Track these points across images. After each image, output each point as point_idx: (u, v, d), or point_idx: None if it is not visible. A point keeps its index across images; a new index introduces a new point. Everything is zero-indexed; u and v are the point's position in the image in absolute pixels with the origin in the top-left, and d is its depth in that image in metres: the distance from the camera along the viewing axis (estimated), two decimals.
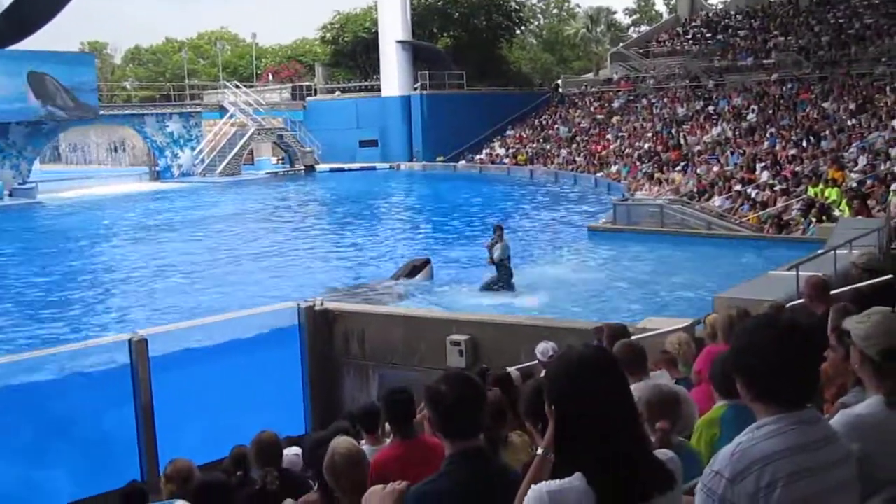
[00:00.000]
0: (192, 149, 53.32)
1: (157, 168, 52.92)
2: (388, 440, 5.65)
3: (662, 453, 2.70)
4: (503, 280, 18.10)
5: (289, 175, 53.71)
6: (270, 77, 73.36)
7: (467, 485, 3.24)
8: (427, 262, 20.05)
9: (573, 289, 18.19)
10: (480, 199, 37.84)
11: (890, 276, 6.65)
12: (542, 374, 8.01)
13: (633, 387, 2.87)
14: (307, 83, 65.01)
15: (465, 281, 19.71)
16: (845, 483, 2.58)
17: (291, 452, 7.53)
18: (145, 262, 24.77)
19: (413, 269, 19.66)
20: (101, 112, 50.43)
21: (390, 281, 19.46)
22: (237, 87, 58.42)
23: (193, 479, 5.96)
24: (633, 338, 7.91)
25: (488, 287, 18.03)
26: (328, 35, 66.60)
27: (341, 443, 4.55)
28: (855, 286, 6.77)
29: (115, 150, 69.67)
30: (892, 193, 20.91)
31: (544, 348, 8.39)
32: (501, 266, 18.06)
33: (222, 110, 55.23)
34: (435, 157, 53.98)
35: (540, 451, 2.80)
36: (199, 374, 11.35)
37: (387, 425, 5.71)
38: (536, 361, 8.59)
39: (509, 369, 7.98)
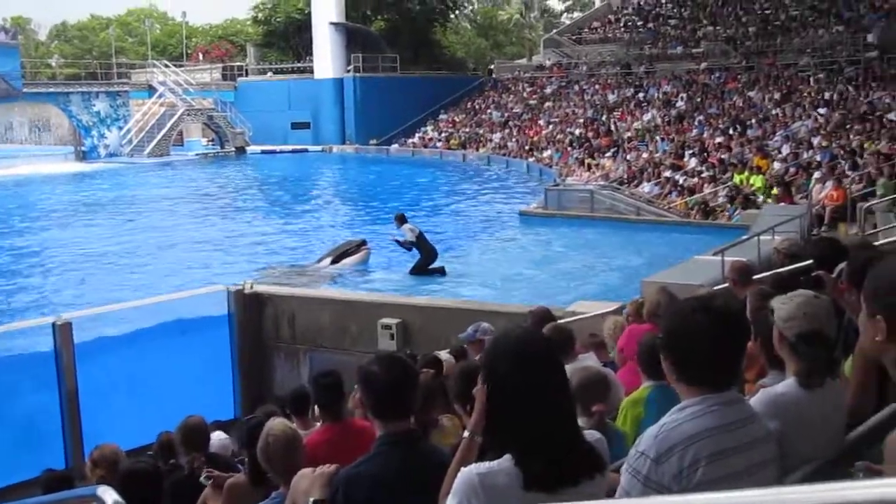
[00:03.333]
0: (120, 129, 52.24)
1: (83, 148, 51.75)
2: (318, 424, 5.64)
3: (590, 434, 2.74)
4: (428, 258, 18.09)
5: (219, 157, 52.95)
6: (201, 57, 72.20)
7: (398, 467, 3.25)
8: (362, 243, 19.85)
9: (504, 273, 18.29)
10: (412, 183, 37.78)
11: (810, 261, 6.81)
12: (473, 353, 8.05)
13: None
14: (238, 63, 64.13)
15: (397, 266, 19.70)
16: (766, 461, 2.65)
17: (218, 437, 7.47)
18: (70, 245, 24.21)
19: (346, 252, 19.48)
20: (25, 90, 49.13)
21: (323, 263, 19.31)
22: (166, 66, 57.37)
23: (120, 464, 5.87)
24: (561, 321, 8.00)
25: (418, 270, 18.03)
26: (260, 15, 65.66)
27: (276, 425, 4.53)
28: (777, 271, 6.93)
29: (39, 130, 67.98)
30: (813, 181, 21.42)
31: (486, 328, 8.37)
32: (419, 246, 18.05)
33: (151, 90, 54.19)
34: (368, 141, 53.72)
35: (467, 433, 2.82)
36: (126, 359, 11.18)
37: (316, 409, 5.70)
38: (466, 341, 8.59)
39: (441, 353, 7.99)
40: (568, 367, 3.02)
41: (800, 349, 3.01)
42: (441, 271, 18.05)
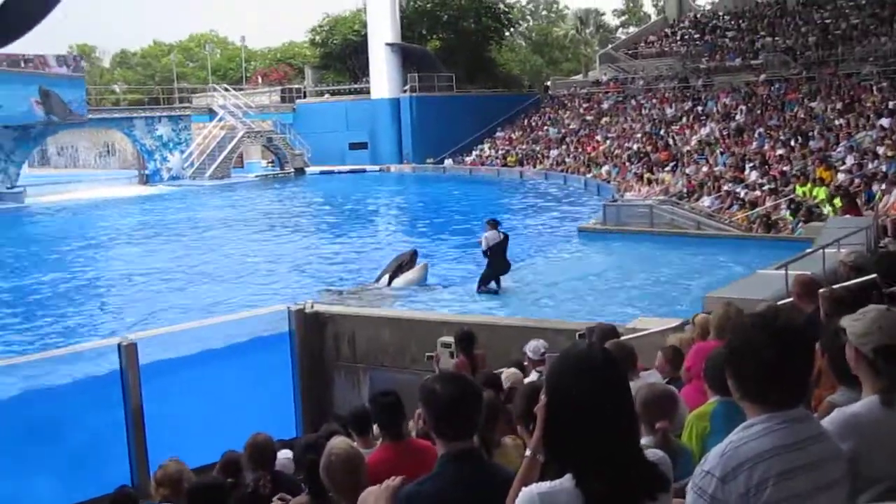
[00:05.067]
0: (182, 152, 53.19)
1: (147, 171, 52.78)
2: (378, 443, 5.64)
3: (653, 453, 2.70)
4: (491, 273, 18.06)
5: (278, 178, 53.62)
6: (259, 80, 73.33)
7: (460, 486, 3.23)
8: (414, 253, 19.96)
9: (563, 289, 18.20)
10: (470, 200, 37.82)
11: (875, 275, 6.67)
12: (533, 374, 8.02)
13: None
14: (296, 86, 64.96)
15: (457, 282, 19.74)
16: (835, 481, 2.59)
17: (283, 456, 7.51)
18: (135, 267, 24.67)
19: (400, 266, 19.58)
20: (90, 116, 50.30)
21: (382, 283, 19.42)
22: (226, 89, 58.34)
23: (185, 481, 5.93)
24: (623, 338, 7.92)
25: (481, 284, 18.05)
26: (317, 37, 66.51)
27: (338, 444, 4.54)
28: (843, 284, 6.78)
29: (104, 154, 69.52)
30: (879, 193, 20.98)
31: (535, 346, 8.39)
32: (491, 257, 18.01)
33: (211, 113, 55.14)
34: (425, 160, 53.98)
35: (528, 452, 2.80)
36: (190, 379, 11.31)
37: (376, 428, 5.70)
38: (526, 360, 8.59)
39: (504, 371, 7.97)
40: (632, 385, 2.99)
41: (879, 365, 2.94)
42: (494, 291, 18.02)
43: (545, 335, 9.82)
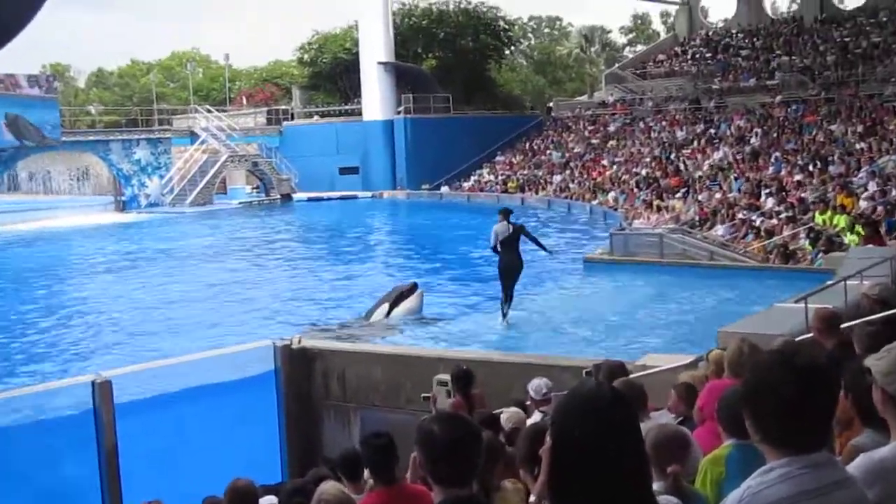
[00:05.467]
0: (161, 177, 53.32)
1: (123, 198, 52.89)
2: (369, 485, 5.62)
3: (665, 500, 2.68)
4: (501, 271, 17.90)
5: (264, 204, 53.74)
6: (244, 101, 73.62)
7: None
8: (414, 287, 19.98)
9: (568, 324, 18.18)
10: (468, 229, 37.85)
11: None
12: (536, 414, 7.99)
13: None
14: (283, 107, 65.27)
15: (453, 316, 19.75)
16: None
17: (267, 502, 7.47)
18: (108, 301, 24.64)
19: (399, 297, 19.58)
20: (64, 139, 50.46)
21: (377, 316, 19.47)
22: (209, 111, 58.63)
23: None
24: (632, 376, 7.91)
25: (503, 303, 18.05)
26: (306, 56, 66.82)
27: (328, 489, 4.53)
28: (867, 318, 6.78)
29: (79, 179, 69.64)
30: None
31: (538, 385, 8.37)
32: (501, 253, 17.78)
33: (193, 136, 55.34)
34: (420, 185, 54.13)
35: (532, 497, 2.78)
36: (167, 419, 11.26)
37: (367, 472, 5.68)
38: (529, 400, 8.57)
39: (504, 412, 7.94)
40: (642, 426, 2.98)
41: None
42: (503, 311, 17.99)
43: (549, 373, 9.80)
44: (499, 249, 17.76)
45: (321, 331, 18.80)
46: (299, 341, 13.18)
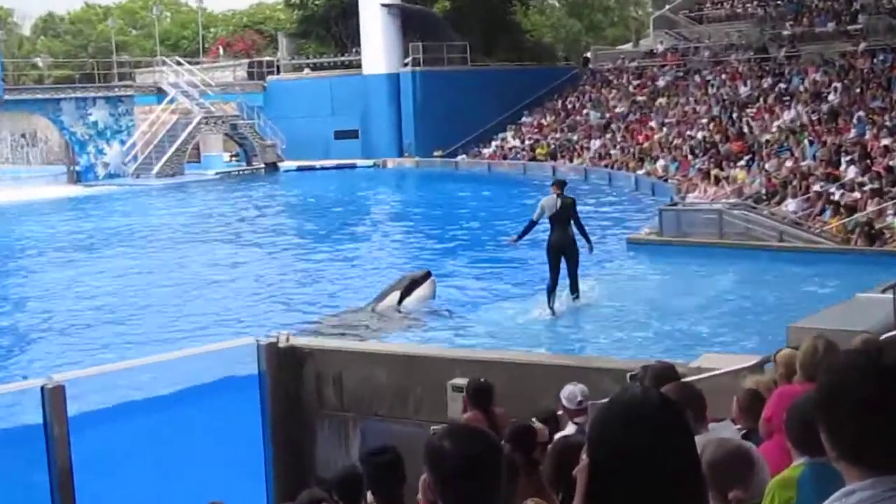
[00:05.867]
0: (122, 143, 53.43)
1: (78, 167, 53.01)
2: None
3: None
4: (549, 253, 18.32)
5: (245, 175, 53.85)
6: (221, 51, 73.61)
7: None
8: (427, 275, 20.38)
9: (608, 318, 18.19)
10: (488, 205, 37.88)
11: None
12: (570, 426, 8.01)
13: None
14: (268, 58, 65.18)
15: (469, 307, 19.82)
16: None
17: None
18: (60, 291, 24.67)
19: (411, 284, 19.94)
20: (6, 97, 50.52)
21: (386, 304, 19.68)
22: (179, 63, 58.65)
23: None
24: (686, 380, 7.91)
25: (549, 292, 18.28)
26: None
27: None
28: None
29: (24, 146, 69.75)
30: None
31: (572, 392, 8.38)
32: (550, 233, 18.18)
33: (160, 94, 55.39)
34: (431, 152, 54.10)
35: None
36: (132, 431, 11.30)
37: (370, 495, 5.70)
38: (561, 409, 8.58)
39: (535, 422, 7.96)
40: (698, 440, 2.98)
41: None
42: (549, 301, 18.17)
43: (585, 377, 9.80)
44: (535, 225, 18.38)
45: (315, 325, 18.87)
46: (287, 339, 13.20)
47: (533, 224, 18.49)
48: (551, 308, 18.20)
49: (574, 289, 18.61)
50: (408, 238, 32.62)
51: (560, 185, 18.51)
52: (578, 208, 18.77)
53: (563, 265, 18.24)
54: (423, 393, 12.37)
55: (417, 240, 31.73)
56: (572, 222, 18.29)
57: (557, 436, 7.31)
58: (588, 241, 18.85)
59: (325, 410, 13.12)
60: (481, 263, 25.24)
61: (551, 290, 18.25)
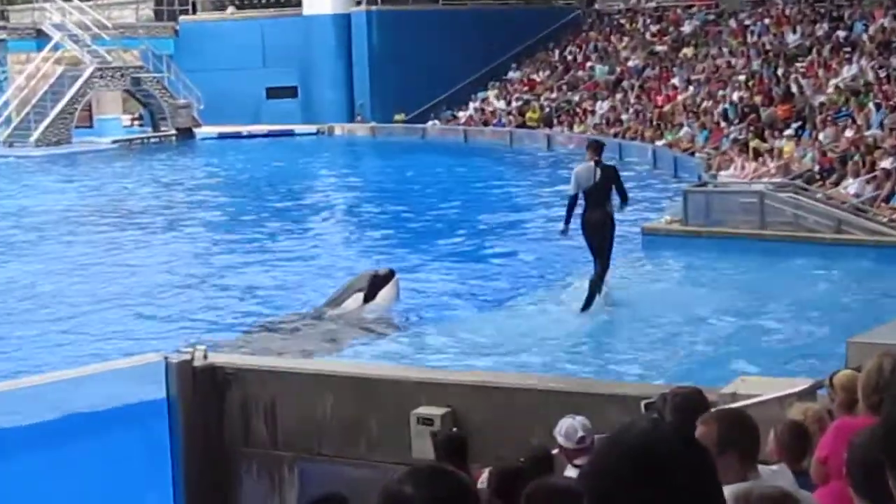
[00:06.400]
0: None
1: None
2: None
3: None
4: (586, 236, 18.60)
5: (150, 145, 53.66)
6: None
7: None
8: (390, 274, 20.61)
9: (617, 330, 18.22)
10: (464, 185, 37.85)
11: None
12: (569, 469, 8.01)
13: (728, 491, 2.85)
14: None
15: (438, 314, 19.86)
16: None
17: None
18: None
19: (375, 283, 20.18)
20: None
21: (348, 306, 19.86)
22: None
23: None
24: (717, 409, 7.93)
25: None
26: None
27: None
28: None
29: None
30: None
31: (570, 426, 8.38)
32: (585, 210, 18.37)
33: (41, 38, 54.96)
34: (391, 117, 54.03)
35: None
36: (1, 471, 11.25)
37: None
38: (557, 448, 8.60)
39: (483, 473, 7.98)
40: (730, 489, 2.99)
41: None
42: (589, 298, 18.42)
43: (588, 407, 9.82)
44: (577, 200, 18.50)
45: (242, 338, 18.82)
46: (205, 355, 13.15)
47: (574, 200, 18.60)
48: (590, 299, 18.53)
49: (600, 286, 18.75)
50: (360, 227, 32.54)
51: (597, 148, 18.65)
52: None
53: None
54: (380, 426, 12.37)
55: (372, 229, 31.64)
56: (611, 196, 18.53)
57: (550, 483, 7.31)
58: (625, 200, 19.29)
59: (253, 448, 13.09)
60: (455, 259, 25.19)
61: (598, 278, 18.51)
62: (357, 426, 12.62)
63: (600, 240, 18.47)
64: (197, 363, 12.96)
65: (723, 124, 38.13)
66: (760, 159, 32.61)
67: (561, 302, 20.22)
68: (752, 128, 35.84)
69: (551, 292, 20.99)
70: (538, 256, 24.76)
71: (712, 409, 6.71)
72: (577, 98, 49.24)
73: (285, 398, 13.06)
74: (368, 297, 19.96)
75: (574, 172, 18.52)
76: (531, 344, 17.57)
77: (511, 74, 54.86)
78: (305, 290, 22.26)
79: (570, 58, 54.19)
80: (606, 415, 9.78)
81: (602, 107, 46.90)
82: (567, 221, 19.13)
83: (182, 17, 60.32)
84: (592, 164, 18.21)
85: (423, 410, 12.02)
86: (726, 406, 8.95)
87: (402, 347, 17.85)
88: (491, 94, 53.52)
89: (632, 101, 46.23)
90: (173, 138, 54.15)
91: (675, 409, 7.30)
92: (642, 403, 9.30)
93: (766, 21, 47.96)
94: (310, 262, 25.98)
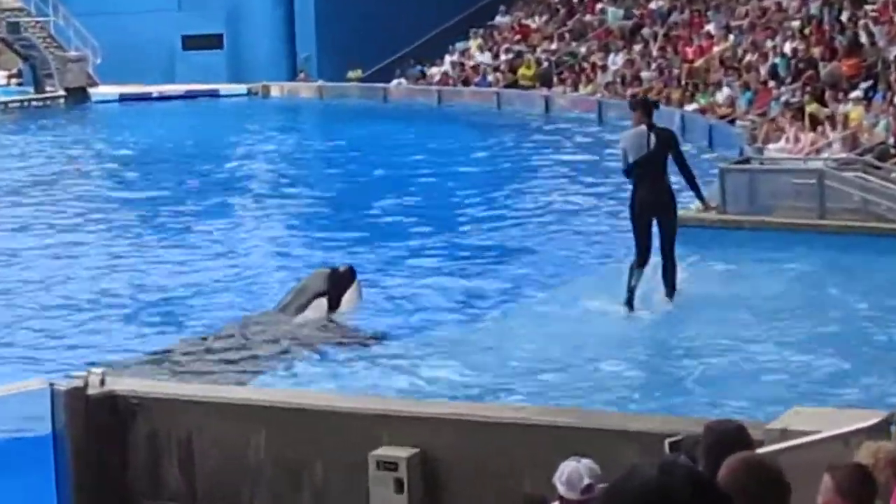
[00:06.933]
0: None
1: None
2: None
3: None
4: (635, 215, 18.77)
5: (32, 109, 53.60)
6: None
7: None
8: (350, 273, 20.79)
9: (633, 347, 18.25)
10: (436, 161, 37.84)
11: None
12: None
13: None
14: None
15: (415, 322, 19.98)
16: None
17: None
18: None
19: (337, 283, 20.33)
20: None
21: (310, 312, 19.96)
22: None
23: None
24: (762, 450, 7.97)
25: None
26: None
27: None
28: None
29: None
30: None
31: (574, 471, 8.41)
32: (635, 184, 18.56)
33: None
34: (344, 73, 54.05)
35: None
36: None
37: None
38: (557, 499, 8.63)
39: None
40: None
41: None
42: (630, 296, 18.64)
43: (598, 445, 9.87)
44: (630, 176, 18.79)
45: (152, 359, 18.77)
46: (102, 381, 13.15)
47: (628, 172, 18.81)
48: (629, 298, 18.80)
49: (670, 279, 19.03)
50: (302, 217, 32.53)
51: (646, 107, 18.80)
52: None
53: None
54: (329, 471, 12.40)
55: (319, 220, 31.67)
56: (668, 168, 18.74)
57: None
58: (698, 192, 19.70)
59: (162, 499, 13.11)
60: (429, 256, 25.17)
61: (637, 269, 18.72)
62: (299, 472, 12.66)
63: (659, 225, 18.68)
64: (92, 391, 12.96)
65: (771, 84, 38.24)
66: (819, 129, 32.71)
67: (570, 311, 20.25)
68: (808, 88, 35.96)
69: (553, 298, 20.97)
70: (537, 253, 24.77)
71: (746, 453, 6.71)
72: (583, 50, 49.42)
73: (206, 435, 13.07)
74: (333, 303, 20.07)
75: (621, 146, 18.59)
76: (524, 365, 17.55)
77: (498, 20, 55.00)
78: (232, 295, 22.23)
79: None
80: (620, 457, 9.79)
81: (616, 61, 47.05)
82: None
83: None
84: (644, 128, 18.26)
85: (385, 452, 12.05)
86: (769, 448, 8.99)
87: (352, 368, 17.79)
88: (472, 44, 53.65)
89: (654, 53, 46.37)
90: (62, 101, 54.15)
91: (708, 451, 7.32)
92: (666, 442, 9.34)
93: None
94: (238, 261, 25.96)
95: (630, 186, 18.91)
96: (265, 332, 19.71)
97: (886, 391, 13.38)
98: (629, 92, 44.01)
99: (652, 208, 18.46)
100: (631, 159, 18.19)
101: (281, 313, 20.30)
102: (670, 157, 18.74)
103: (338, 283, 20.43)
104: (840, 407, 12.00)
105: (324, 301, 20.11)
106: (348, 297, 20.38)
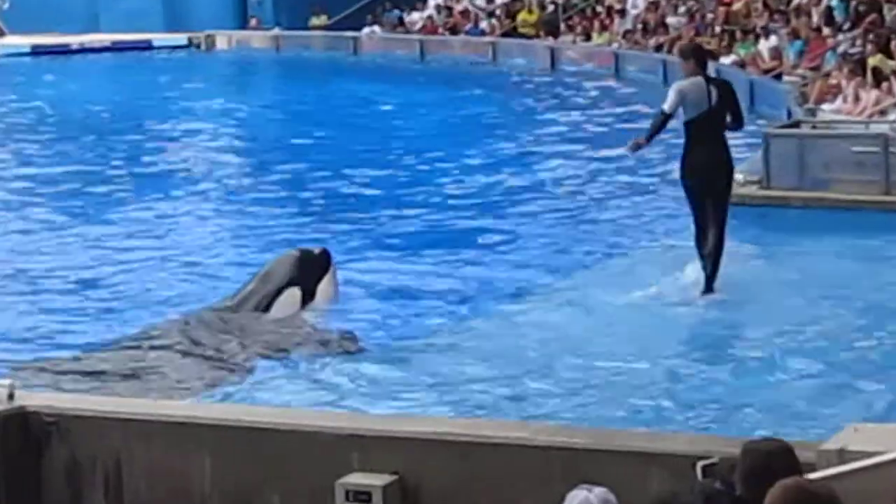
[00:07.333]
0: None
1: None
2: None
3: None
4: (689, 182, 19.07)
5: None
6: None
7: None
8: (327, 258, 20.85)
9: (658, 345, 18.29)
10: (418, 125, 37.95)
11: None
12: None
13: None
14: None
15: (387, 325, 20.02)
16: None
17: None
18: None
19: (309, 271, 20.36)
20: None
21: (280, 306, 19.96)
22: None
23: None
24: (813, 476, 8.00)
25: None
26: None
27: None
28: None
29: None
30: None
31: (586, 501, 8.44)
32: (689, 145, 18.78)
33: None
34: (306, 21, 54.08)
35: None
36: None
37: None
38: None
39: None
40: None
41: None
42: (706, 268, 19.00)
43: (614, 470, 9.90)
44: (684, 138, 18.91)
45: (73, 366, 18.76)
46: (11, 395, 13.18)
47: (667, 121, 18.99)
48: (710, 281, 19.19)
49: (712, 266, 19.28)
50: (259, 194, 32.61)
51: (701, 55, 19.15)
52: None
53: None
54: (288, 502, 12.44)
55: (280, 196, 31.74)
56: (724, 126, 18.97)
57: None
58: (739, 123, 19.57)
59: None
60: (415, 243, 25.18)
61: (705, 246, 19.09)
62: (252, 502, 12.69)
63: (715, 193, 18.87)
64: (1, 405, 12.99)
65: (826, 31, 38.31)
66: (885, 85, 32.76)
67: (578, 307, 20.29)
68: (870, 36, 36.00)
69: (563, 291, 21.01)
70: (544, 238, 24.84)
71: (794, 479, 6.74)
72: None
73: (138, 461, 13.10)
74: (307, 295, 20.10)
75: (677, 89, 18.57)
76: (526, 371, 17.60)
77: None
78: (171, 285, 22.27)
79: None
80: (643, 483, 9.82)
81: (637, 4, 47.14)
82: (650, 139, 19.57)
83: None
84: (701, 80, 18.40)
85: (356, 479, 12.08)
86: (823, 473, 9.02)
87: (329, 377, 17.81)
88: None
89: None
90: None
91: (747, 475, 7.36)
92: (698, 466, 9.37)
93: None
94: (179, 244, 26.01)
95: (664, 136, 19.21)
96: (216, 334, 19.30)
97: None
98: (652, 42, 44.21)
99: (710, 172, 18.69)
100: (690, 115, 18.29)
101: (240, 308, 20.06)
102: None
103: (311, 270, 20.38)
104: None
105: (296, 292, 20.05)
106: (324, 287, 20.37)
